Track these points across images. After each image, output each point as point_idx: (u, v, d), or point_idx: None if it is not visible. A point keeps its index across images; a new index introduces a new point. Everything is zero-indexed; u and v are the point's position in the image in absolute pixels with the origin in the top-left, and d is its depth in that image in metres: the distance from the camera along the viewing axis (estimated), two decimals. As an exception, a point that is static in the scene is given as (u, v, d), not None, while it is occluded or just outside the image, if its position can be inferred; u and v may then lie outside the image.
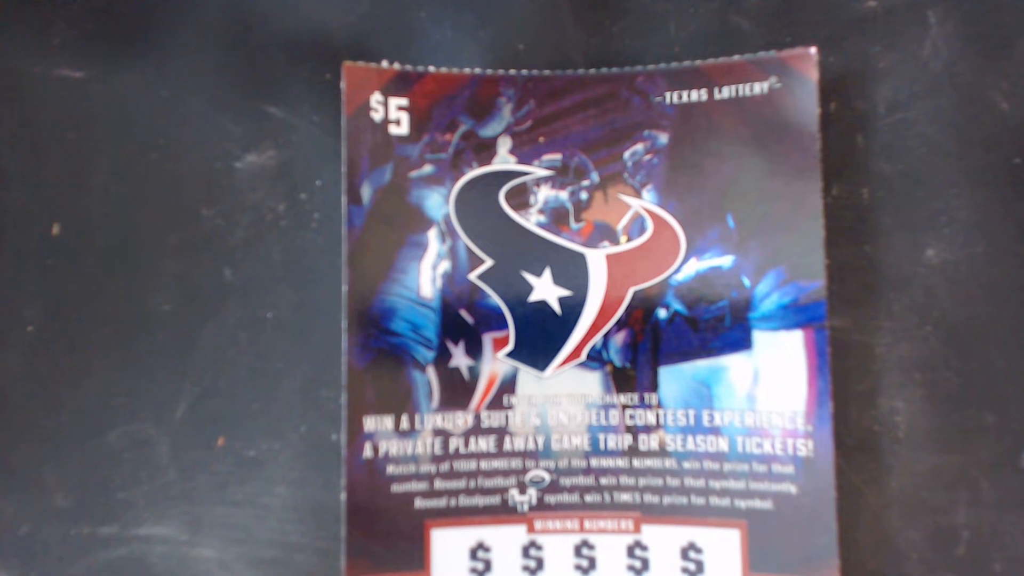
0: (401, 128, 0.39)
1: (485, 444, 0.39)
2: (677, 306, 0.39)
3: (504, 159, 0.40)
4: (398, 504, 0.38)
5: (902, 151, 0.40)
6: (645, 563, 0.39)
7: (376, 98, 0.39)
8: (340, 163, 0.39)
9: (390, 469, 0.39)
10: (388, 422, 0.39)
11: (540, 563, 0.39)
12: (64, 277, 0.41)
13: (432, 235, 0.39)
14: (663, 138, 0.39)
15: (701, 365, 0.39)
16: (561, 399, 0.39)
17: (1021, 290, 0.39)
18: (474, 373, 0.39)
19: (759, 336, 0.38)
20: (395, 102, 0.39)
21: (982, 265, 0.39)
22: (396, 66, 0.40)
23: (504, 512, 0.39)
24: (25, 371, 0.41)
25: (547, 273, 0.39)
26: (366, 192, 0.39)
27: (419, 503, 0.39)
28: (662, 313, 0.39)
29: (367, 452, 0.38)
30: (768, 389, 0.38)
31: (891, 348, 0.39)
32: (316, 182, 0.41)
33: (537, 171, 0.40)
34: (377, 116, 0.39)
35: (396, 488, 0.38)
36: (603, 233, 0.40)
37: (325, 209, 0.41)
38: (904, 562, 0.39)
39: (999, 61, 0.40)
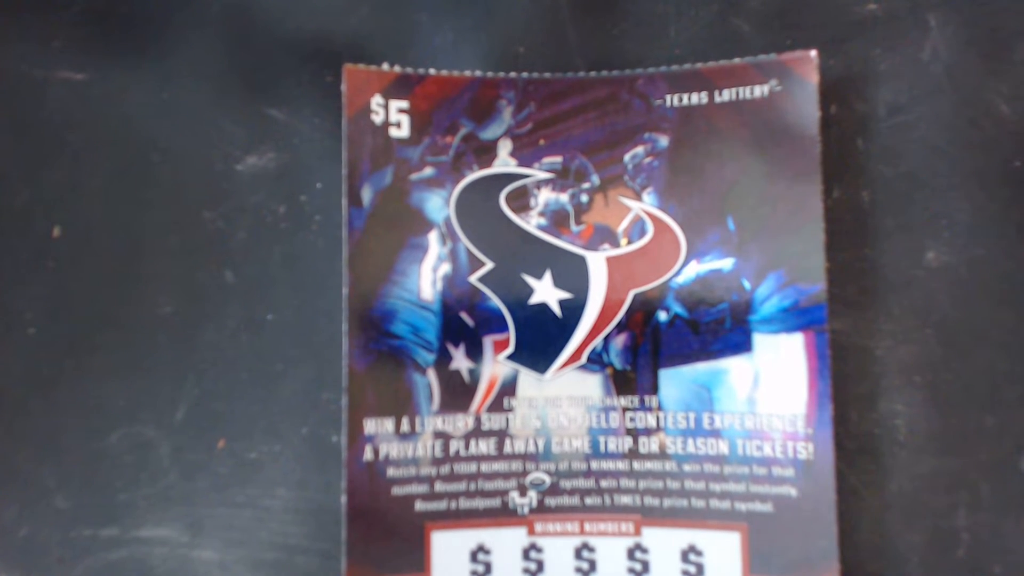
0: (402, 130, 0.40)
1: (485, 446, 0.39)
2: (677, 309, 0.39)
3: (504, 162, 0.40)
4: (398, 506, 0.38)
5: (902, 154, 0.40)
6: (646, 565, 0.39)
7: (377, 100, 0.39)
8: (340, 165, 0.39)
9: (390, 471, 0.39)
10: (388, 424, 0.39)
11: (540, 565, 0.39)
12: (65, 279, 0.41)
13: (432, 237, 0.39)
14: (663, 141, 0.39)
15: (701, 368, 0.39)
16: (561, 402, 0.39)
17: (1021, 292, 0.39)
18: (474, 375, 0.39)
19: (759, 339, 0.38)
20: (396, 104, 0.39)
21: (982, 268, 0.39)
22: (397, 69, 0.40)
23: (504, 514, 0.39)
24: (26, 373, 0.41)
25: (547, 275, 0.40)
26: (367, 194, 0.39)
27: (419, 505, 0.39)
28: (662, 316, 0.39)
29: (367, 454, 0.38)
30: (768, 392, 0.38)
31: (891, 351, 0.39)
32: (316, 184, 0.42)
33: (538, 174, 0.40)
34: (378, 119, 0.39)
35: (396, 490, 0.39)
36: (603, 235, 0.40)
37: (326, 211, 0.41)
38: (904, 564, 0.39)
39: (999, 64, 0.40)
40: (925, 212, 0.40)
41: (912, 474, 0.39)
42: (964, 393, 0.39)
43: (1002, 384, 0.39)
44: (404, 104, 0.40)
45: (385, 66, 0.40)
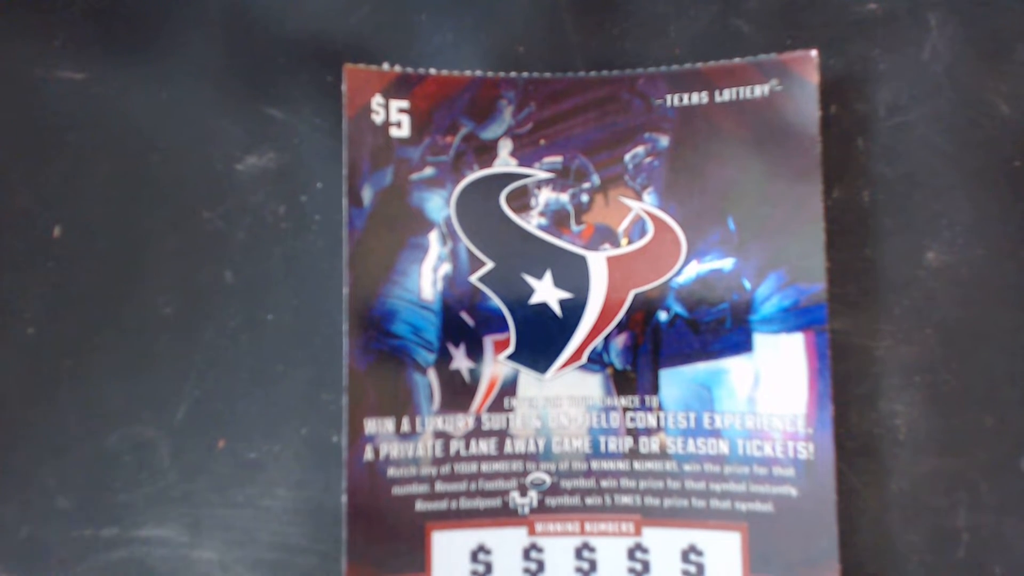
0: (402, 130, 0.40)
1: (486, 446, 0.39)
2: (678, 308, 0.39)
3: (505, 161, 0.40)
4: (399, 506, 0.39)
5: (902, 154, 0.40)
6: (646, 565, 0.39)
7: (377, 100, 0.39)
8: (341, 165, 0.39)
9: (391, 471, 0.39)
10: (389, 424, 0.39)
11: (541, 565, 0.39)
12: (65, 279, 0.41)
13: (433, 237, 0.40)
14: (664, 140, 0.39)
15: (701, 368, 0.39)
16: (562, 401, 0.39)
17: (1021, 292, 0.39)
18: (475, 375, 0.39)
19: (759, 339, 0.38)
20: (396, 104, 0.39)
21: (982, 268, 0.40)
22: (397, 68, 0.40)
23: (505, 514, 0.39)
24: (26, 373, 0.41)
25: (548, 275, 0.40)
26: (367, 194, 0.39)
27: (420, 505, 0.39)
28: (663, 316, 0.39)
29: (368, 454, 0.38)
30: (769, 392, 0.38)
31: (891, 351, 0.40)
32: (317, 184, 0.42)
33: (538, 173, 0.40)
34: (378, 118, 0.39)
35: (397, 490, 0.39)
36: (604, 235, 0.40)
37: (326, 211, 0.41)
38: (904, 564, 0.39)
39: (999, 64, 0.40)
40: (925, 212, 0.40)
41: (912, 474, 0.39)
42: (964, 393, 0.39)
43: (1002, 384, 0.39)
44: (404, 104, 0.40)
45: (385, 66, 0.40)
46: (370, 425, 0.39)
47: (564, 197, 0.40)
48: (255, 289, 0.41)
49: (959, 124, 0.40)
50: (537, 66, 0.41)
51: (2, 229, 0.42)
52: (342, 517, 0.38)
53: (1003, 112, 0.40)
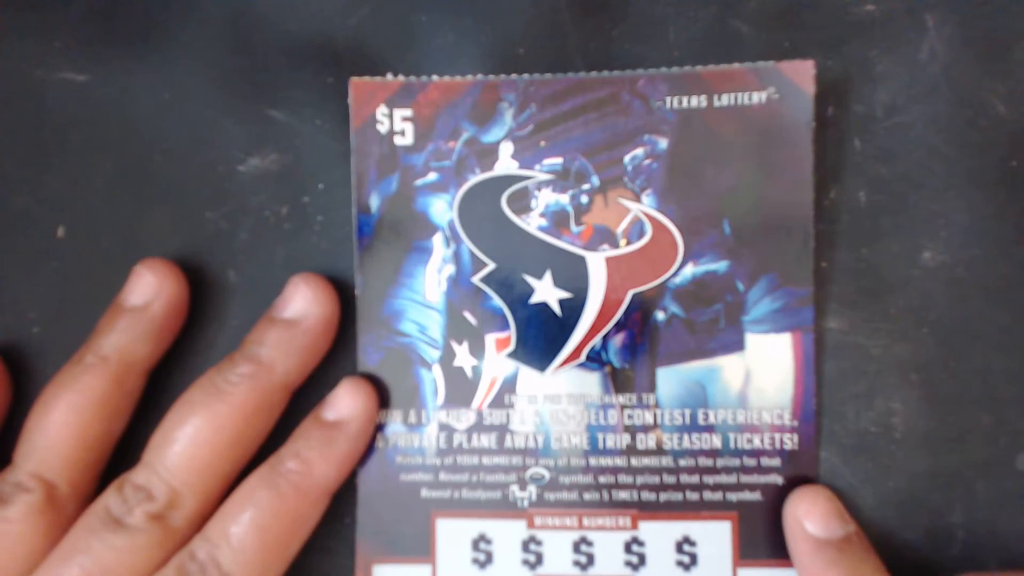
0: (406, 138, 0.42)
1: (487, 441, 0.42)
2: (674, 309, 0.42)
3: (506, 164, 0.42)
4: (406, 492, 0.42)
5: (899, 154, 0.42)
6: (642, 558, 0.41)
7: (382, 111, 0.42)
8: (343, 167, 0.41)
9: (399, 459, 0.42)
10: (397, 415, 0.42)
11: (540, 557, 0.42)
12: (69, 279, 0.43)
13: (437, 240, 0.42)
14: (663, 143, 0.41)
15: (696, 366, 0.41)
16: (561, 399, 0.42)
17: (1018, 292, 0.41)
18: (477, 372, 0.42)
19: (751, 338, 0.41)
20: (400, 113, 0.42)
21: (979, 267, 0.41)
22: (401, 78, 0.42)
23: (505, 507, 0.42)
24: (29, 373, 0.43)
25: (548, 276, 0.42)
26: (374, 201, 0.42)
27: (425, 493, 0.42)
28: (660, 315, 0.42)
29: (377, 442, 0.42)
30: (758, 388, 0.41)
31: (888, 350, 0.42)
32: (319, 185, 0.43)
33: (538, 175, 0.42)
34: (383, 128, 0.42)
35: (404, 477, 0.42)
36: (603, 236, 0.42)
37: (328, 212, 0.43)
38: (900, 561, 0.41)
39: (997, 65, 0.42)
40: (922, 212, 0.41)
41: (908, 472, 0.41)
42: (960, 391, 0.41)
43: (998, 383, 0.41)
44: (408, 112, 0.42)
45: (389, 76, 0.42)
46: (379, 416, 0.42)
47: (564, 198, 0.42)
48: (258, 289, 0.43)
49: (956, 125, 0.41)
50: (538, 67, 0.42)
51: (6, 230, 0.44)
52: (355, 500, 0.41)
53: (1000, 112, 0.41)
